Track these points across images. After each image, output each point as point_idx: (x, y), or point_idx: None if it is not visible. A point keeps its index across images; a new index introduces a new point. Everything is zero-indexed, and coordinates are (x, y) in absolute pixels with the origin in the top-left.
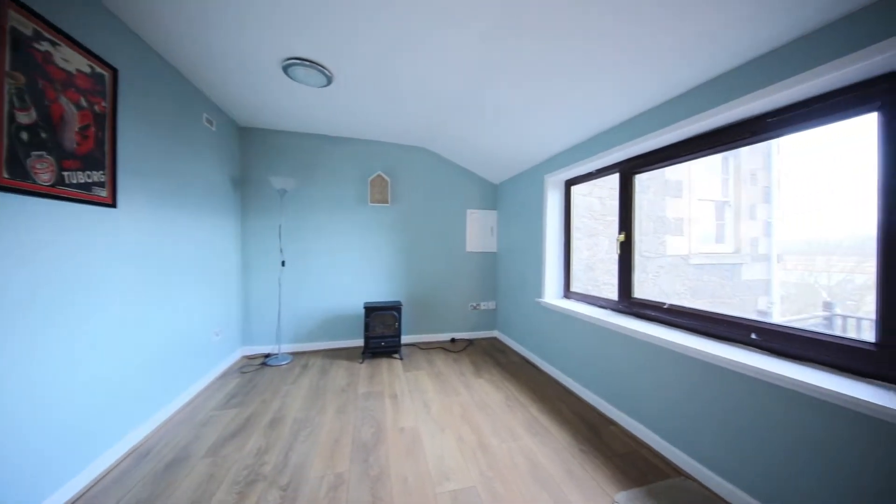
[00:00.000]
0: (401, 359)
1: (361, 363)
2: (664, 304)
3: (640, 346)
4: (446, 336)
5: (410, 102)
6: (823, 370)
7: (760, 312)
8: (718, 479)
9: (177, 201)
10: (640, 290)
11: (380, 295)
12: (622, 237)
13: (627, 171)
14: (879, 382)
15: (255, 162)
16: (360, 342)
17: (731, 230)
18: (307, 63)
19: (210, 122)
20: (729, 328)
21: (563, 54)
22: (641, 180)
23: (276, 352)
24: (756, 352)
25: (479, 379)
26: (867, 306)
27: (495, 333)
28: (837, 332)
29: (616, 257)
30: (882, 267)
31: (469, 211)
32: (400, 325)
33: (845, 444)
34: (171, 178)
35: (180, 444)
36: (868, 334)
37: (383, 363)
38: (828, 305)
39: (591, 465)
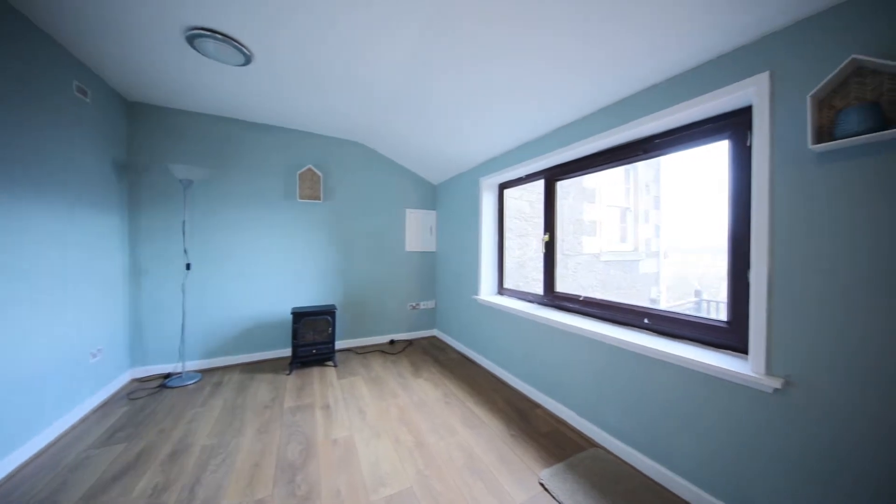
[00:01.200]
0: (335, 366)
1: (289, 374)
2: (580, 296)
3: (561, 334)
4: (385, 338)
5: (344, 95)
6: (693, 345)
7: (652, 300)
8: (621, 444)
9: (32, 190)
10: (562, 285)
11: (311, 299)
12: (546, 237)
13: (551, 177)
14: (729, 352)
15: (151, 145)
16: (287, 352)
17: (632, 232)
18: (219, 37)
19: (83, 91)
20: (628, 315)
21: (497, 67)
22: (563, 186)
23: (179, 370)
24: (648, 333)
25: (418, 379)
26: (723, 293)
27: (435, 332)
28: (703, 314)
29: (542, 255)
30: (731, 262)
31: (408, 210)
32: (334, 330)
33: (704, 401)
34: (21, 161)
35: (39, 496)
36: (723, 315)
37: (314, 372)
38: (697, 293)
39: (520, 449)
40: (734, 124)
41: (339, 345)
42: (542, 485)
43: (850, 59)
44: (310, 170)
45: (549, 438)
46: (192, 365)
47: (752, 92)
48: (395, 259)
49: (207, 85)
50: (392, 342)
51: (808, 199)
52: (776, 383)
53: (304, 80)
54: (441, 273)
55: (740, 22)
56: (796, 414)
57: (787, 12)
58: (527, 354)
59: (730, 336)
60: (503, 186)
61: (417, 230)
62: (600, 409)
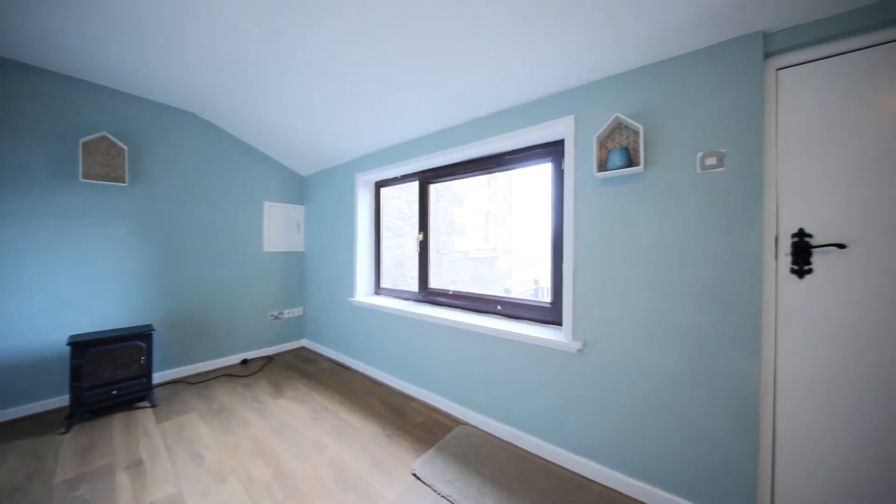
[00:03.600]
0: (152, 406)
1: (65, 433)
2: (449, 290)
3: (433, 327)
4: (235, 358)
5: (167, 46)
6: (530, 323)
7: (506, 290)
8: (482, 417)
9: None
10: (437, 281)
11: (112, 319)
12: (421, 237)
13: (424, 180)
14: (552, 326)
15: None
16: (62, 400)
17: (492, 233)
18: None
19: None
20: (486, 304)
21: (371, 67)
22: (438, 190)
23: None
24: (501, 318)
25: (280, 399)
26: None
27: (304, 342)
28: (538, 299)
29: (418, 254)
30: (553, 256)
31: (268, 204)
32: (150, 358)
33: (535, 366)
34: None
35: None
36: (549, 297)
37: (115, 422)
38: (536, 281)
39: (394, 447)
40: (555, 151)
41: (161, 377)
42: (414, 475)
43: (614, 116)
44: (105, 138)
45: (422, 428)
46: None
47: (564, 129)
48: (250, 261)
49: None
50: (245, 362)
51: (595, 211)
52: (578, 345)
53: (98, 15)
54: (311, 275)
55: (558, 75)
56: (591, 366)
57: (578, 76)
58: (403, 351)
59: (552, 313)
60: (380, 185)
61: (280, 227)
62: (465, 390)
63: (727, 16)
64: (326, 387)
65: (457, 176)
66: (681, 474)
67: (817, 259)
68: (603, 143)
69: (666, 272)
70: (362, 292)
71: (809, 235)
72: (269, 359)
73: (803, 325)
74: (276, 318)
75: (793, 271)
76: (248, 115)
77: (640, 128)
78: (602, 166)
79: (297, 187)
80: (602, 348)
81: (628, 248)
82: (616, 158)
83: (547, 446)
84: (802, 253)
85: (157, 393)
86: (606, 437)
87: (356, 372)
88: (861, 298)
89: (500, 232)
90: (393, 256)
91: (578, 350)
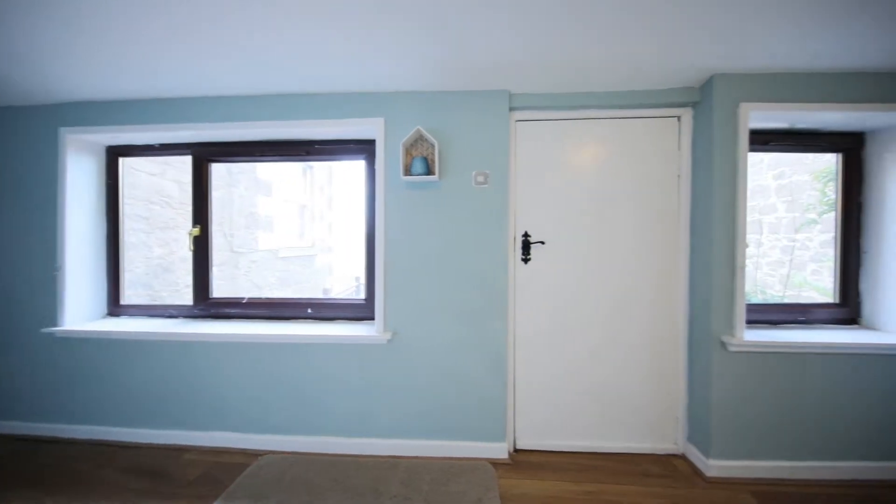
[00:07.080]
0: None
1: None
2: (243, 299)
3: (216, 348)
4: None
5: None
6: (346, 322)
7: (325, 290)
8: (289, 437)
9: None
10: (232, 288)
11: None
12: (197, 231)
13: (202, 155)
14: (366, 322)
15: None
16: None
17: (309, 228)
18: None
19: None
20: (294, 309)
21: None
22: (232, 173)
23: None
24: (312, 322)
25: None
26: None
27: None
28: (357, 296)
29: (192, 254)
30: (366, 253)
31: None
32: None
33: (349, 363)
34: None
35: None
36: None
37: None
38: (357, 279)
39: None
40: (368, 150)
41: None
42: None
43: (416, 128)
44: None
45: (202, 482)
46: None
47: (375, 129)
48: None
49: None
50: None
51: (403, 210)
52: (388, 336)
53: None
54: None
55: (370, 73)
56: (398, 352)
57: (389, 82)
58: (168, 389)
59: (366, 310)
60: (117, 152)
61: None
62: (266, 414)
63: (489, 72)
64: (4, 486)
65: (254, 157)
66: (467, 421)
67: (533, 251)
68: (408, 150)
69: (452, 263)
70: (80, 316)
71: (530, 236)
72: None
73: (528, 295)
74: None
75: (522, 259)
76: None
77: (436, 143)
78: (407, 171)
79: None
80: (408, 334)
81: (426, 244)
82: (418, 166)
83: (359, 441)
84: (526, 247)
85: None
86: (413, 412)
87: (77, 442)
88: (553, 275)
89: (319, 227)
90: (153, 258)
91: (388, 340)
